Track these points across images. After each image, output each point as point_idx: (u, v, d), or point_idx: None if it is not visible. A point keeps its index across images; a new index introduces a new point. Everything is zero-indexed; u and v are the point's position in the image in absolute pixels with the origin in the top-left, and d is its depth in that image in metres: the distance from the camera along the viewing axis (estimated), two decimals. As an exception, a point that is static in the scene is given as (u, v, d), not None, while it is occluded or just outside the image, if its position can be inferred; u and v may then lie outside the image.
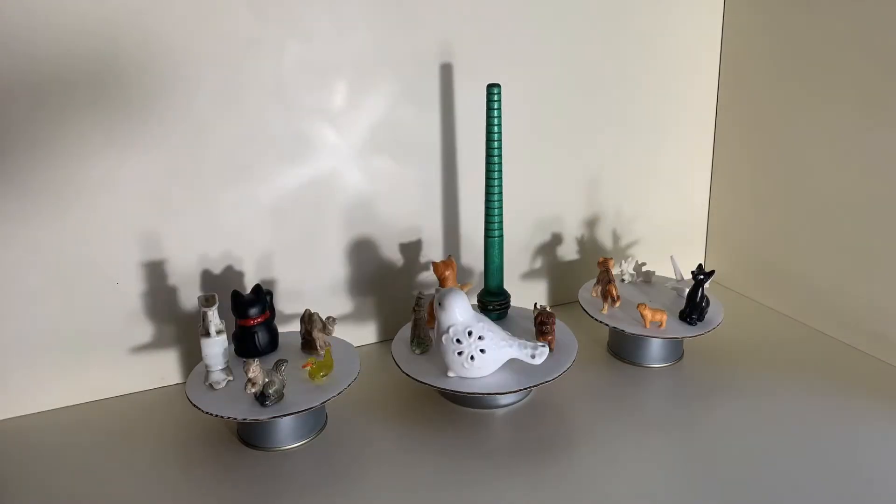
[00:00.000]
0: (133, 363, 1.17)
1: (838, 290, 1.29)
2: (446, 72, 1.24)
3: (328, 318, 1.10)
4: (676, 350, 1.24)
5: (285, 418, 0.98)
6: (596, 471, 0.97)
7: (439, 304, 1.04)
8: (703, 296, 1.17)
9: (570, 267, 1.45)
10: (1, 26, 0.98)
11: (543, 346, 1.05)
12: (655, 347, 1.21)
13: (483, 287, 1.24)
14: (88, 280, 1.11)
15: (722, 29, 1.45)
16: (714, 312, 1.21)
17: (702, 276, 1.16)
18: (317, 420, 1.06)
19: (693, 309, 1.17)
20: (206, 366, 1.02)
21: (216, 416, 0.96)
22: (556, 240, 1.43)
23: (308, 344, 1.11)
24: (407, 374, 1.07)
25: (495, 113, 1.14)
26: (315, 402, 0.99)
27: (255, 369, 0.96)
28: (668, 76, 1.43)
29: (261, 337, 1.10)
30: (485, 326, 1.04)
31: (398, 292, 1.32)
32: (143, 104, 1.08)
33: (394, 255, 1.30)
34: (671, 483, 0.94)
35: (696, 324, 1.17)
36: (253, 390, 0.96)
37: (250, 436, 1.03)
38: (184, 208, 1.14)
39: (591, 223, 1.45)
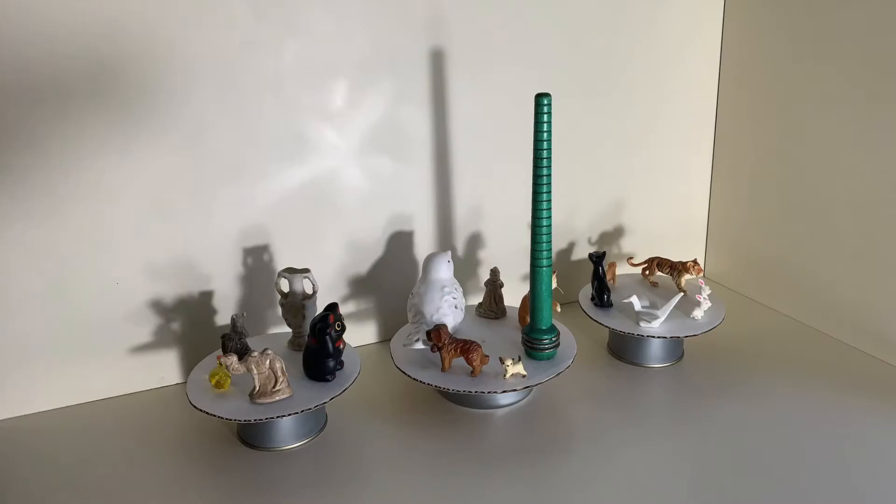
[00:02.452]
0: (133, 363, 1.17)
1: (838, 290, 1.29)
2: (447, 71, 1.24)
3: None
4: (676, 350, 1.24)
5: (285, 418, 0.98)
6: (596, 471, 0.97)
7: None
8: (600, 279, 1.25)
9: (570, 267, 1.45)
10: None
11: (418, 340, 1.09)
12: (655, 347, 1.21)
13: (529, 324, 1.11)
14: (88, 280, 1.11)
15: (722, 28, 1.45)
16: (714, 312, 1.21)
17: (595, 257, 1.25)
18: (317, 420, 1.06)
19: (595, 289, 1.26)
20: None
21: (216, 416, 0.96)
22: (556, 240, 1.43)
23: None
24: (407, 374, 1.07)
25: (544, 127, 1.00)
26: (315, 402, 0.99)
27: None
28: (667, 75, 1.43)
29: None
30: (425, 291, 1.13)
31: (398, 292, 1.32)
32: (141, 104, 1.08)
33: (393, 255, 1.30)
34: (671, 483, 0.94)
35: (594, 302, 1.25)
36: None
37: (250, 436, 1.03)
38: (183, 208, 1.14)
39: (591, 223, 1.45)
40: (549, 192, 1.03)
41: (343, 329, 1.04)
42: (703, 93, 1.48)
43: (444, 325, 1.07)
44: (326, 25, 1.15)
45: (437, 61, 1.23)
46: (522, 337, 1.12)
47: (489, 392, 1.03)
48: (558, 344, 1.11)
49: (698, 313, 1.19)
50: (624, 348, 1.24)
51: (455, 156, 1.29)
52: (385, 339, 1.33)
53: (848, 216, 1.25)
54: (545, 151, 1.02)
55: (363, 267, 1.29)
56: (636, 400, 1.14)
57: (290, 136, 1.18)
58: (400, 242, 1.30)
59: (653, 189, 1.49)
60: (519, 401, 1.12)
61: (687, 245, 1.56)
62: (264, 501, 0.92)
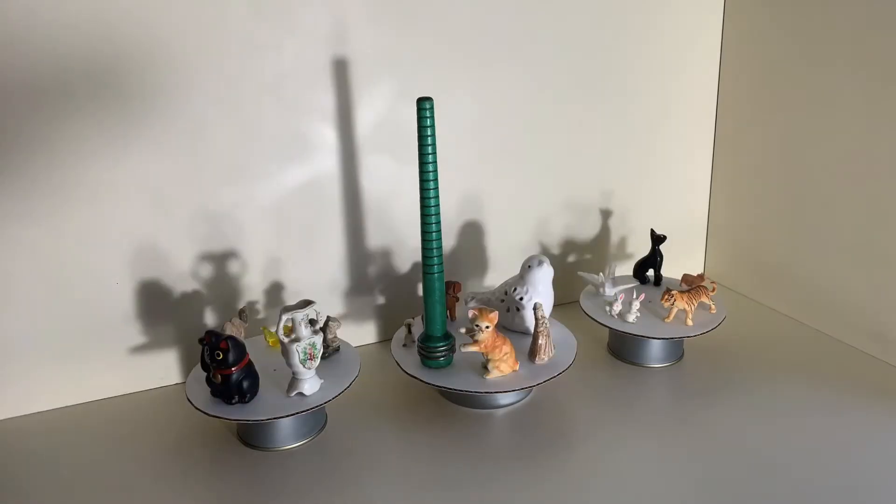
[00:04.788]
0: (133, 363, 1.17)
1: (838, 290, 1.29)
2: (446, 69, 1.24)
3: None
4: (676, 350, 1.24)
5: (285, 419, 0.98)
6: (596, 471, 0.97)
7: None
8: (652, 259, 1.32)
9: (570, 267, 1.45)
10: None
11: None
12: (655, 347, 1.21)
13: (423, 331, 1.09)
14: (88, 280, 1.11)
15: (722, 28, 1.45)
16: (714, 312, 1.21)
17: (658, 238, 1.31)
18: (317, 420, 1.06)
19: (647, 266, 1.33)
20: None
21: (216, 416, 0.96)
22: (556, 239, 1.43)
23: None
24: (407, 374, 1.07)
25: (428, 132, 0.99)
26: (315, 402, 0.99)
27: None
28: (667, 75, 1.42)
29: None
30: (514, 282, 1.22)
31: (398, 292, 1.32)
32: (141, 104, 1.08)
33: (394, 255, 1.30)
34: (671, 483, 0.94)
35: (646, 281, 1.33)
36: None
37: (250, 436, 1.03)
38: (183, 208, 1.14)
39: (591, 223, 1.45)
40: (436, 198, 1.01)
41: (216, 359, 0.94)
42: (703, 93, 1.48)
43: (459, 283, 1.21)
44: (327, 25, 1.15)
45: (439, 59, 1.23)
46: (417, 345, 1.09)
47: (489, 392, 1.03)
48: (453, 350, 1.08)
49: (613, 310, 1.21)
50: (624, 348, 1.24)
51: (456, 155, 1.29)
52: (385, 339, 1.33)
53: (848, 216, 1.25)
54: (430, 156, 0.99)
55: (363, 266, 1.29)
56: (636, 400, 1.14)
57: (291, 136, 1.18)
58: (400, 242, 1.30)
59: (653, 189, 1.49)
60: (519, 401, 1.12)
61: (687, 245, 1.56)
62: (264, 501, 0.92)
